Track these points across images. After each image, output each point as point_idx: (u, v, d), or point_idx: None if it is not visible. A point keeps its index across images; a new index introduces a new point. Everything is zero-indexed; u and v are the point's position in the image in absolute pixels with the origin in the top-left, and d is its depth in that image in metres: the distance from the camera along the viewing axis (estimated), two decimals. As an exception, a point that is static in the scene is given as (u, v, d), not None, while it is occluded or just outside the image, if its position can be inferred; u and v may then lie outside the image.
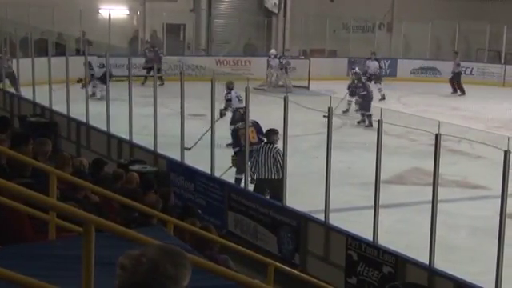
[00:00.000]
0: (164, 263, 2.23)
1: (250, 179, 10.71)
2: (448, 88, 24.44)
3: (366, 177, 10.39)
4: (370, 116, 17.49)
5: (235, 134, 12.03)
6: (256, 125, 12.04)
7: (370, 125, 17.08)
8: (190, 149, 12.54)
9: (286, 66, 23.60)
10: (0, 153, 6.08)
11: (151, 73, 21.37)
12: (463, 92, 24.05)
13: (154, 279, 2.21)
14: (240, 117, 13.14)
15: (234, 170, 11.77)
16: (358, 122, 18.15)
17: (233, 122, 14.04)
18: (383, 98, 21.63)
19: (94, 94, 18.57)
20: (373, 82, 22.07)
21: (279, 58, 23.62)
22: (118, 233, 3.38)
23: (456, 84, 24.29)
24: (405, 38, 28.22)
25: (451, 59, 25.12)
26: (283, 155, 10.06)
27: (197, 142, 13.08)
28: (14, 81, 18.74)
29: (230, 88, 15.35)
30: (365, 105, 18.06)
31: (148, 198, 7.20)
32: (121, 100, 13.44)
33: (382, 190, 8.50)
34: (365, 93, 18.50)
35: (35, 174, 6.08)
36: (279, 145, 10.46)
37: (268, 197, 10.58)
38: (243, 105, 14.47)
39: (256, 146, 11.21)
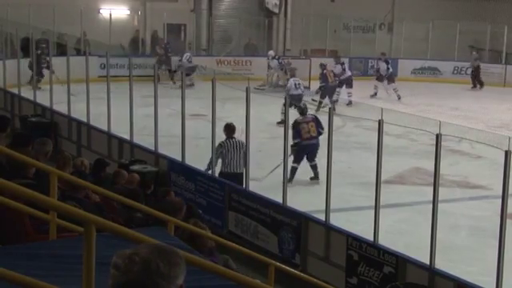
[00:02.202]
0: (157, 262, 2.21)
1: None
2: (447, 87, 24.48)
3: (366, 177, 10.40)
4: (333, 102, 18.54)
5: (295, 126, 12.16)
6: (315, 119, 12.36)
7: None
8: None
9: (286, 66, 23.59)
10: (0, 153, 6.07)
11: (162, 67, 21.66)
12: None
13: (146, 278, 2.19)
14: (292, 103, 13.58)
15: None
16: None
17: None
18: (399, 98, 21.66)
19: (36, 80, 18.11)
20: (385, 82, 22.14)
21: (278, 59, 23.61)
22: (118, 233, 3.38)
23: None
24: (405, 38, 28.21)
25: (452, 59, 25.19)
26: (284, 155, 10.06)
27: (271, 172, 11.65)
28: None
29: (292, 75, 18.03)
30: (323, 94, 19.36)
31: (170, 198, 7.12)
32: (120, 100, 13.41)
33: (382, 190, 8.49)
34: (323, 84, 19.67)
35: (36, 174, 6.09)
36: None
37: None
38: (299, 92, 15.66)
39: (315, 140, 11.96)
